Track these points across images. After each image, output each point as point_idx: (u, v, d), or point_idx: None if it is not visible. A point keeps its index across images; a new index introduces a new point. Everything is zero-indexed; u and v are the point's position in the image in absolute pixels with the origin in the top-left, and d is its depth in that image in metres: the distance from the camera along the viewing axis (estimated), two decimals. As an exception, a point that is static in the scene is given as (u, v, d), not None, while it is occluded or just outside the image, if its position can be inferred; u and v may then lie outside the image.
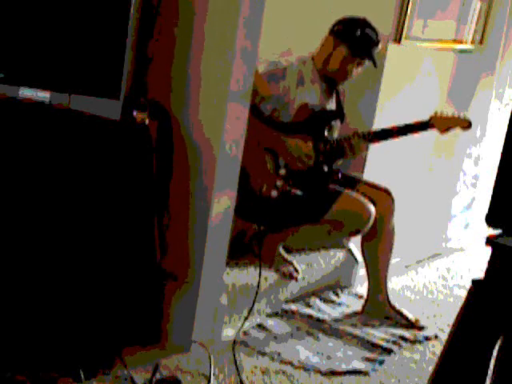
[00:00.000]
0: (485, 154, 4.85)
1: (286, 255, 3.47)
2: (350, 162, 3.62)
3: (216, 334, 2.96)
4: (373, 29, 3.36)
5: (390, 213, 3.46)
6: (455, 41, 4.22)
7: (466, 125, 3.44)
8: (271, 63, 3.30)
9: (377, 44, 3.37)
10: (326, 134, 3.39)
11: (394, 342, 3.26)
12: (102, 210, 2.48)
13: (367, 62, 3.39)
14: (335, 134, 3.47)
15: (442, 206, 4.68)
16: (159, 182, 2.69)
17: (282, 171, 3.29)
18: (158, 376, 2.59)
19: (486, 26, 4.39)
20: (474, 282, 1.90)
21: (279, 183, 3.27)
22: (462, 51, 4.32)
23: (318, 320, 3.36)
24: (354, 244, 3.74)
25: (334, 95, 3.49)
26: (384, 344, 3.21)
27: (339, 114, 3.47)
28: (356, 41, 3.33)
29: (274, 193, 3.26)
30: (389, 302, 3.49)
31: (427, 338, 3.37)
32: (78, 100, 2.48)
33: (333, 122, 3.44)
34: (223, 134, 2.71)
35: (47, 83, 2.44)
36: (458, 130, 3.49)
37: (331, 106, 3.49)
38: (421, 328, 3.44)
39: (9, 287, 2.43)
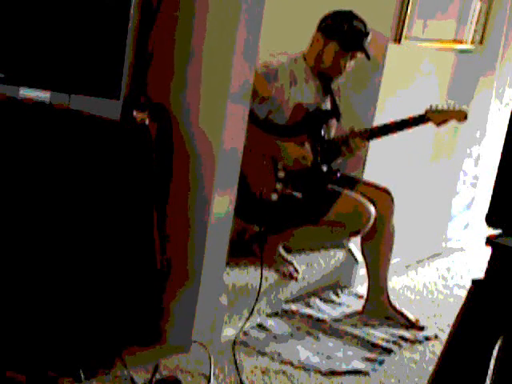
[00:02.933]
0: (485, 154, 4.85)
1: (286, 255, 3.47)
2: (349, 162, 3.62)
3: (216, 334, 2.96)
4: (360, 20, 3.33)
5: (389, 213, 3.46)
6: (455, 41, 4.22)
7: (463, 116, 3.43)
8: (263, 64, 3.29)
9: (366, 35, 3.35)
10: (323, 133, 3.38)
11: (394, 342, 3.26)
12: (102, 210, 2.48)
13: (359, 55, 3.38)
14: (332, 133, 3.47)
15: (442, 206, 4.68)
16: (159, 181, 2.69)
17: (281, 174, 3.28)
18: (157, 376, 2.59)
19: (486, 26, 4.39)
20: (474, 281, 1.90)
21: (278, 186, 3.27)
22: (462, 51, 4.32)
23: (318, 320, 3.36)
24: (354, 244, 3.74)
25: (329, 94, 3.48)
26: (384, 344, 3.21)
27: (335, 112, 3.46)
28: (345, 35, 3.31)
29: (274, 196, 3.26)
30: (389, 301, 3.49)
31: (427, 338, 3.37)
32: (78, 100, 2.48)
33: (329, 121, 3.43)
34: (223, 133, 2.71)
35: (47, 83, 2.44)
36: (454, 123, 3.48)
37: (326, 104, 3.47)
38: (421, 328, 3.44)
39: (10, 287, 2.43)
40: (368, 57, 3.37)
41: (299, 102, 3.32)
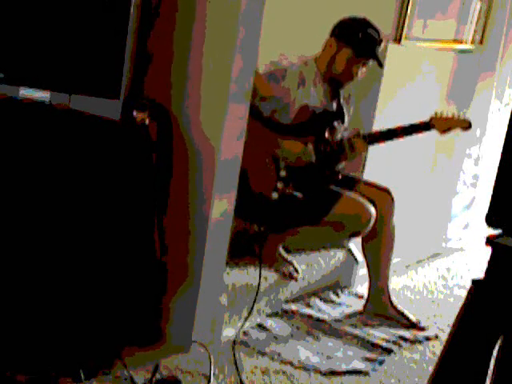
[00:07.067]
0: (485, 154, 4.85)
1: (286, 255, 3.47)
2: (349, 162, 3.62)
3: (216, 333, 2.96)
4: (374, 28, 3.35)
5: (390, 213, 3.46)
6: (455, 41, 4.23)
7: (466, 125, 3.44)
8: (271, 63, 3.30)
9: (380, 43, 3.37)
10: (326, 135, 3.38)
11: (394, 342, 3.26)
12: (102, 210, 2.48)
13: (371, 62, 3.39)
14: (338, 136, 3.47)
15: (442, 206, 4.68)
16: (159, 182, 2.69)
17: (283, 173, 3.29)
18: (158, 376, 2.59)
19: (486, 26, 4.39)
20: (474, 282, 1.89)
21: (280, 185, 3.27)
22: (462, 51, 4.32)
23: (318, 320, 3.36)
24: (355, 244, 3.74)
25: (336, 98, 3.49)
26: (384, 344, 3.21)
27: (339, 115, 3.46)
28: (359, 42, 3.32)
29: (275, 194, 3.26)
30: (391, 302, 3.49)
31: (427, 338, 3.37)
32: (78, 100, 2.48)
33: (335, 124, 3.43)
34: (223, 134, 2.71)
35: (47, 83, 2.44)
36: (457, 131, 3.49)
37: (333, 108, 3.48)
38: (422, 329, 3.44)
39: (9, 287, 2.43)
40: (380, 64, 3.39)
41: (305, 104, 3.32)
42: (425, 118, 3.43)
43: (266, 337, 3.12)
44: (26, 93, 2.48)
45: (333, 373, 2.90)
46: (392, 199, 3.48)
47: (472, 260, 4.67)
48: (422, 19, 3.85)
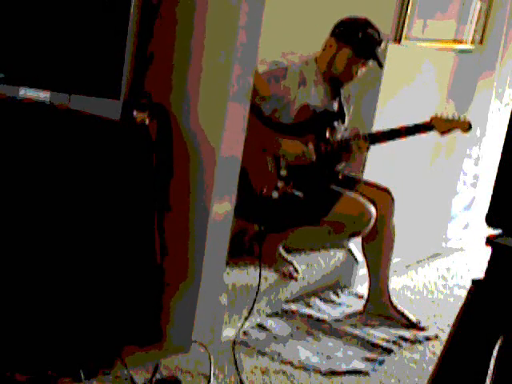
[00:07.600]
0: (485, 154, 4.85)
1: (286, 255, 3.47)
2: (349, 163, 3.62)
3: (216, 333, 2.96)
4: (375, 29, 3.36)
5: (390, 213, 3.46)
6: (455, 41, 4.23)
7: (467, 127, 3.44)
8: (272, 63, 3.31)
9: (380, 44, 3.37)
10: (327, 135, 3.38)
11: (394, 342, 3.26)
12: (102, 210, 2.48)
13: (371, 62, 3.39)
14: (338, 136, 3.47)
15: (442, 206, 4.68)
16: (159, 182, 2.69)
17: (283, 172, 3.29)
18: (158, 376, 2.59)
19: (486, 26, 4.40)
20: (474, 282, 1.89)
21: (280, 184, 3.27)
22: (462, 51, 4.32)
23: (318, 320, 3.36)
24: (355, 244, 3.74)
25: (337, 98, 3.49)
26: (384, 344, 3.21)
27: (340, 115, 3.47)
28: (359, 42, 3.33)
29: (275, 194, 3.26)
30: (391, 302, 3.49)
31: (427, 338, 3.37)
32: (78, 100, 2.48)
33: (335, 124, 3.43)
34: (223, 133, 2.71)
35: (47, 83, 2.44)
36: (458, 132, 3.49)
37: (334, 107, 3.48)
38: (422, 329, 3.44)
39: (9, 287, 2.43)
40: (380, 65, 3.39)
41: (306, 104, 3.33)
42: (425, 118, 3.43)
43: (266, 337, 3.12)
44: (26, 93, 2.48)
45: (333, 373, 2.90)
46: (392, 199, 3.48)
47: (472, 260, 4.67)
48: (422, 19, 3.85)
